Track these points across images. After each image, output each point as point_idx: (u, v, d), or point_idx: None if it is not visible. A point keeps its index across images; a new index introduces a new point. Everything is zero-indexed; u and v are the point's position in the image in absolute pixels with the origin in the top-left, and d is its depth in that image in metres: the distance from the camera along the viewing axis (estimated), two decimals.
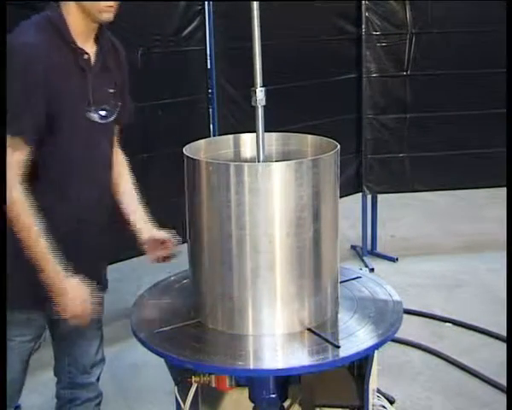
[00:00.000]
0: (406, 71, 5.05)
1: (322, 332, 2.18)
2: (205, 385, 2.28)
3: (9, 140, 2.07)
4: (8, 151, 2.08)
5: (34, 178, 2.18)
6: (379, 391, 2.58)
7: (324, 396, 2.35)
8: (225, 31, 4.34)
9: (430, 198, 6.23)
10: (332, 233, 2.28)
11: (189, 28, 4.18)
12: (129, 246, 4.05)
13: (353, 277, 2.57)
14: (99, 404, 2.59)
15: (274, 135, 2.52)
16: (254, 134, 2.32)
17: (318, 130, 2.65)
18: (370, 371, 2.27)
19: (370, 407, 2.34)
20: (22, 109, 2.08)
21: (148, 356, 2.27)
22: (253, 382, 2.31)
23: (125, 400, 3.57)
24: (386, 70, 5.05)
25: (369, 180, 5.23)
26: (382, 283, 2.53)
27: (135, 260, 4.25)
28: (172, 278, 2.61)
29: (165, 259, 2.49)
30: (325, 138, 2.42)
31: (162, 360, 2.21)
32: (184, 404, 2.30)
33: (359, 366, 2.35)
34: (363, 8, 4.94)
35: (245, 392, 2.36)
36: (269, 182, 2.12)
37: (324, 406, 2.38)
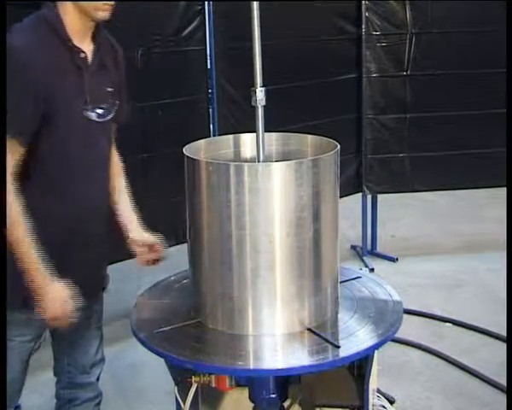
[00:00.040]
0: (406, 71, 5.05)
1: (322, 332, 2.18)
2: (205, 385, 2.28)
3: (7, 141, 2.08)
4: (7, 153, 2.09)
5: (33, 178, 2.18)
6: (379, 391, 2.58)
7: (324, 396, 2.35)
8: (225, 31, 4.34)
9: (430, 198, 6.23)
10: (332, 233, 2.28)
11: (189, 28, 4.18)
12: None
13: (353, 277, 2.57)
14: (99, 404, 2.59)
15: (274, 135, 2.52)
16: (254, 134, 2.32)
17: (318, 130, 2.65)
18: (370, 371, 2.27)
19: (370, 407, 2.34)
20: (16, 111, 2.07)
21: (147, 356, 2.27)
22: (253, 382, 2.31)
23: (124, 400, 3.57)
24: (386, 70, 5.05)
25: (369, 180, 5.23)
26: (382, 283, 2.53)
27: (135, 260, 4.25)
28: (172, 278, 2.61)
29: (154, 262, 2.51)
30: (325, 138, 2.42)
31: (162, 360, 2.21)
32: (184, 404, 2.30)
33: (359, 366, 2.35)
34: (363, 8, 4.94)
35: (245, 392, 2.36)
36: (269, 182, 2.12)
37: (324, 406, 2.38)
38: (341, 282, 2.42)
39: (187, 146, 2.33)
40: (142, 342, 2.20)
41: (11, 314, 2.14)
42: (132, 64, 3.92)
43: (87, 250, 2.33)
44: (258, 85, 2.25)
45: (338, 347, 2.11)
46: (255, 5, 2.20)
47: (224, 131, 4.09)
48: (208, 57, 4.34)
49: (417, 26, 5.00)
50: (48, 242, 2.22)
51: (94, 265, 2.39)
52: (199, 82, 4.31)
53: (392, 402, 3.27)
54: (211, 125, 4.42)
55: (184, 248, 2.45)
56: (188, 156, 2.25)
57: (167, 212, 4.18)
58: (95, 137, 2.29)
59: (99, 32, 2.28)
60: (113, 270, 2.60)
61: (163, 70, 4.11)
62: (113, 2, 2.19)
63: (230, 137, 2.57)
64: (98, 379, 2.57)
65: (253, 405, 2.36)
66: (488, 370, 3.66)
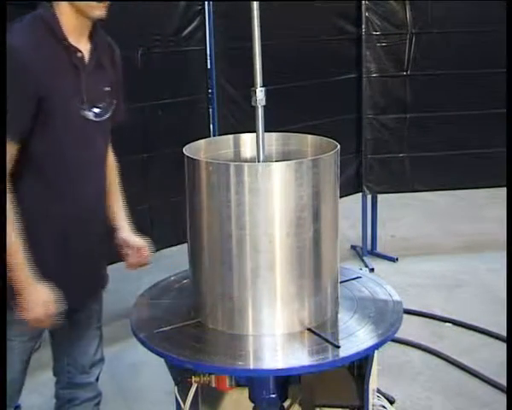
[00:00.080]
0: (406, 71, 5.05)
1: (322, 332, 2.18)
2: (205, 385, 2.28)
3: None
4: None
5: (29, 177, 2.18)
6: (379, 391, 2.58)
7: (324, 396, 2.36)
8: (225, 31, 4.34)
9: (430, 198, 6.23)
10: (332, 233, 2.28)
11: (189, 28, 4.18)
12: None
13: (353, 277, 2.57)
14: (98, 404, 2.59)
15: (274, 135, 2.52)
16: (254, 134, 2.32)
17: (318, 130, 2.66)
18: (370, 371, 2.27)
19: (370, 407, 2.34)
20: (12, 111, 2.07)
21: (147, 356, 2.27)
22: (253, 382, 2.31)
23: (124, 400, 3.57)
24: (386, 70, 5.05)
25: (369, 180, 5.23)
26: (382, 283, 2.53)
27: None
28: (172, 278, 2.61)
29: (141, 266, 2.52)
30: (325, 138, 2.42)
31: (162, 360, 2.21)
32: (184, 404, 2.30)
33: (359, 366, 2.35)
34: (363, 8, 4.94)
35: (245, 392, 2.36)
36: (269, 182, 2.12)
37: (324, 406, 2.39)
38: (341, 282, 2.42)
39: (187, 146, 2.33)
40: (142, 342, 2.20)
41: (11, 314, 2.14)
42: (132, 64, 3.93)
43: (85, 250, 2.32)
44: (258, 85, 2.25)
45: (338, 347, 2.11)
46: (255, 5, 2.20)
47: (224, 131, 4.09)
48: (208, 57, 4.34)
49: (417, 26, 5.00)
50: (45, 241, 2.23)
51: (92, 264, 2.39)
52: (199, 82, 4.31)
53: (392, 402, 3.27)
54: (211, 125, 4.42)
55: (184, 248, 2.45)
56: (188, 156, 2.25)
57: (167, 212, 4.18)
58: (92, 136, 2.29)
59: (96, 31, 2.28)
60: (113, 270, 2.60)
61: (163, 70, 4.11)
62: (108, 1, 2.19)
63: (230, 137, 2.57)
64: (98, 379, 2.57)
65: (253, 405, 2.36)
66: (488, 370, 3.66)
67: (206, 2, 4.24)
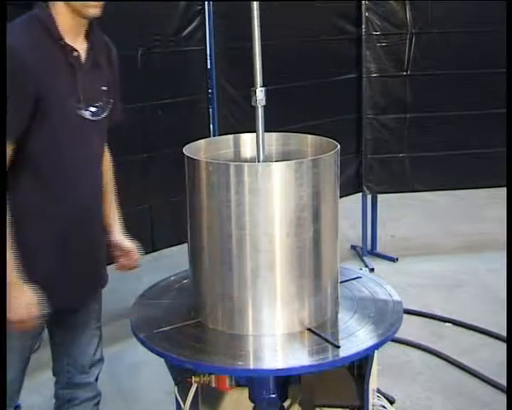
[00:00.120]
0: (406, 71, 5.05)
1: (322, 332, 2.18)
2: (205, 385, 2.28)
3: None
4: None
5: (26, 176, 2.18)
6: (379, 391, 2.58)
7: (324, 396, 2.35)
8: (225, 31, 4.34)
9: (430, 198, 6.23)
10: (332, 233, 2.27)
11: (189, 28, 4.18)
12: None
13: (353, 277, 2.57)
14: (98, 404, 2.59)
15: (274, 135, 2.52)
16: (254, 134, 2.31)
17: (318, 130, 2.65)
18: (370, 371, 2.27)
19: (370, 407, 2.34)
20: (8, 113, 2.08)
21: (147, 356, 2.27)
22: (253, 382, 2.31)
23: (124, 400, 3.57)
24: (386, 70, 5.05)
25: (369, 180, 5.23)
26: (382, 283, 2.53)
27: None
28: (172, 278, 2.61)
29: (129, 269, 2.54)
30: (325, 138, 2.42)
31: (162, 360, 2.21)
32: (184, 404, 2.30)
33: (359, 366, 2.35)
34: (363, 8, 4.94)
35: (245, 392, 2.36)
36: (269, 182, 2.12)
37: (324, 406, 2.38)
38: (341, 282, 2.42)
39: (187, 146, 2.33)
40: (142, 342, 2.19)
41: None
42: (132, 64, 3.93)
43: (83, 249, 2.33)
44: (258, 85, 2.25)
45: (338, 347, 2.11)
46: (255, 5, 2.20)
47: (224, 131, 4.10)
48: (208, 57, 4.34)
49: (417, 26, 5.00)
50: (42, 241, 2.23)
51: (91, 264, 2.38)
52: (199, 82, 4.31)
53: (392, 402, 3.28)
54: (211, 125, 4.42)
55: (184, 248, 2.45)
56: (188, 156, 2.25)
57: (167, 212, 4.18)
58: (88, 135, 2.29)
59: (92, 30, 2.29)
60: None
61: (163, 70, 4.11)
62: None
63: (230, 137, 2.57)
64: (97, 379, 2.57)
65: (253, 405, 2.35)
66: (488, 370, 3.66)
67: (206, 2, 4.24)
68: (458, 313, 4.34)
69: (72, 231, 2.28)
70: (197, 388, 2.31)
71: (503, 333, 3.85)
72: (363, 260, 5.30)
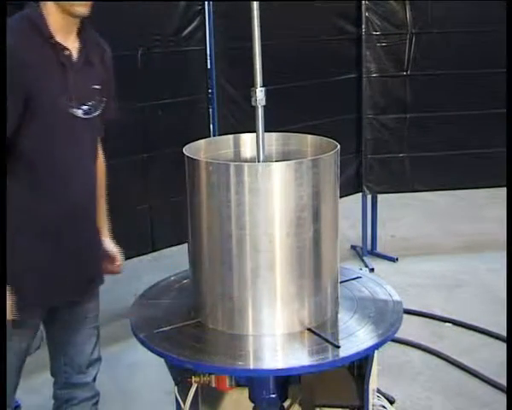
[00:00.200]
0: (406, 71, 5.05)
1: (322, 332, 2.18)
2: (205, 385, 2.28)
3: None
4: None
5: (18, 174, 2.19)
6: (379, 391, 2.58)
7: (324, 396, 2.35)
8: (225, 31, 4.34)
9: (430, 198, 6.23)
10: (332, 233, 2.27)
11: (189, 28, 4.18)
12: (128, 246, 4.07)
13: (353, 277, 2.57)
14: (96, 403, 2.59)
15: (274, 135, 2.52)
16: (254, 134, 2.31)
17: (318, 130, 2.65)
18: (370, 371, 2.27)
19: (370, 407, 2.34)
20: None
21: (147, 356, 2.27)
22: (253, 382, 2.31)
23: (124, 400, 3.57)
24: (386, 70, 5.05)
25: (369, 180, 5.23)
26: (382, 283, 2.53)
27: (135, 260, 4.26)
28: (172, 278, 2.61)
29: (111, 273, 2.55)
30: (325, 138, 2.42)
31: (162, 360, 2.21)
32: (184, 404, 2.30)
33: (359, 366, 2.35)
34: (363, 8, 4.95)
35: (245, 392, 2.36)
36: (269, 182, 2.12)
37: (324, 406, 2.38)
38: (341, 282, 2.42)
39: (187, 146, 2.33)
40: (142, 342, 2.19)
41: None
42: (132, 64, 3.93)
43: (75, 247, 2.33)
44: (258, 85, 2.25)
45: (338, 347, 2.11)
46: (255, 5, 2.20)
47: (224, 131, 4.10)
48: (208, 57, 4.34)
49: (417, 26, 5.00)
50: (35, 238, 2.23)
51: (83, 261, 2.37)
52: (199, 82, 4.31)
53: (392, 402, 3.27)
54: (211, 125, 4.42)
55: (184, 248, 2.45)
56: (188, 156, 2.25)
57: (167, 212, 4.18)
58: (80, 133, 2.29)
59: (84, 29, 2.30)
60: None
61: (163, 70, 4.11)
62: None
63: (230, 137, 2.57)
64: (95, 379, 2.57)
65: (253, 405, 2.35)
66: (488, 370, 3.66)
67: (206, 2, 4.24)
68: (458, 313, 4.34)
69: (64, 229, 2.29)
70: (197, 388, 2.31)
71: (503, 333, 3.85)
72: (363, 260, 5.29)
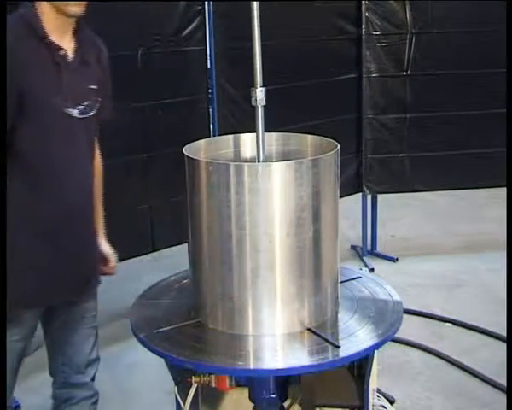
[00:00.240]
0: (406, 71, 5.05)
1: (322, 332, 2.18)
2: (205, 385, 2.28)
3: None
4: None
5: (14, 175, 2.19)
6: (379, 391, 2.58)
7: (324, 396, 2.35)
8: (225, 31, 4.34)
9: (430, 198, 6.23)
10: (332, 233, 2.27)
11: (189, 28, 4.18)
12: (128, 246, 4.07)
13: (353, 277, 2.57)
14: (95, 403, 2.58)
15: (274, 135, 2.52)
16: (254, 134, 2.31)
17: (318, 130, 2.65)
18: (370, 371, 2.27)
19: (370, 407, 2.34)
20: None
21: (147, 356, 2.27)
22: (253, 382, 2.31)
23: (124, 400, 3.57)
24: (386, 70, 5.05)
25: (369, 180, 5.23)
26: (382, 283, 2.53)
27: (135, 260, 4.26)
28: (172, 278, 2.61)
29: (105, 275, 2.54)
30: (325, 138, 2.42)
31: (162, 360, 2.21)
32: (184, 404, 2.30)
33: (359, 366, 2.35)
34: (363, 8, 4.95)
35: (245, 392, 2.36)
36: (269, 182, 2.12)
37: (324, 406, 2.38)
38: (341, 282, 2.42)
39: (187, 146, 2.33)
40: (142, 342, 2.19)
41: None
42: (132, 64, 3.93)
43: (72, 247, 2.33)
44: (258, 85, 2.25)
45: (338, 347, 2.11)
46: (255, 5, 2.20)
47: (224, 131, 4.10)
48: (208, 57, 4.34)
49: (417, 26, 5.00)
50: (31, 238, 2.23)
51: (80, 261, 2.37)
52: (199, 82, 4.31)
53: (392, 402, 3.27)
54: (211, 125, 4.42)
55: (184, 248, 2.45)
56: (188, 156, 2.25)
57: (167, 212, 4.18)
58: (76, 133, 2.29)
59: (80, 29, 2.30)
60: None
61: (163, 70, 4.11)
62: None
63: (230, 137, 2.57)
64: (93, 379, 2.57)
65: (253, 405, 2.36)
66: (488, 370, 3.66)
67: (206, 2, 4.24)
68: (458, 313, 4.34)
69: (61, 229, 2.29)
70: (197, 388, 2.31)
71: (503, 333, 3.85)
72: (363, 260, 5.29)
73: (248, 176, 2.11)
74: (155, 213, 4.20)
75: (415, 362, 3.86)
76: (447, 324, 4.29)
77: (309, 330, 2.21)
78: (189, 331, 2.23)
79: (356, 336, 2.18)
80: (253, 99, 2.26)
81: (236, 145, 2.55)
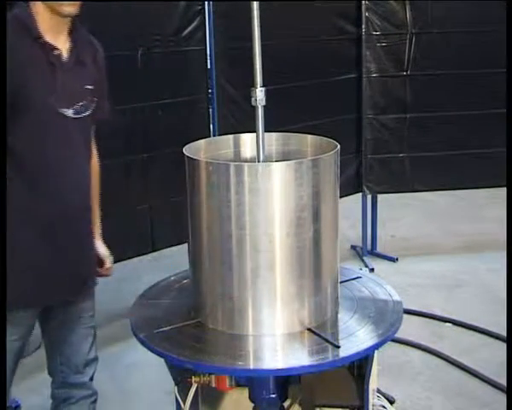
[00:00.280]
0: (406, 71, 5.05)
1: (322, 332, 2.18)
2: (205, 385, 2.28)
3: None
4: None
5: (10, 175, 2.18)
6: (379, 391, 2.58)
7: (324, 396, 2.35)
8: (225, 31, 4.35)
9: (430, 198, 6.23)
10: (332, 233, 2.27)
11: (189, 28, 4.18)
12: (128, 246, 4.08)
13: (353, 277, 2.57)
14: (95, 402, 2.59)
15: (274, 135, 2.52)
16: (254, 134, 2.31)
17: (318, 130, 2.65)
18: (370, 371, 2.27)
19: (370, 407, 2.34)
20: None
21: (147, 356, 2.27)
22: (253, 382, 2.31)
23: (124, 400, 3.57)
24: (386, 70, 5.05)
25: (369, 180, 5.23)
26: (382, 283, 2.53)
27: (135, 260, 4.26)
28: (172, 278, 2.61)
29: (101, 276, 2.55)
30: (325, 138, 2.42)
31: (162, 360, 2.21)
32: (184, 404, 2.30)
33: (359, 366, 2.35)
34: (363, 8, 4.95)
35: (245, 392, 2.36)
36: (269, 182, 2.11)
37: (324, 406, 2.38)
38: (341, 282, 2.42)
39: (187, 146, 2.33)
40: (142, 342, 2.19)
41: None
42: (132, 64, 3.93)
43: (68, 247, 2.33)
44: (258, 85, 2.25)
45: (338, 347, 2.11)
46: (255, 5, 2.20)
47: (224, 131, 4.10)
48: (208, 57, 4.34)
49: (417, 26, 5.00)
50: (28, 238, 2.24)
51: (76, 261, 2.37)
52: (199, 82, 4.31)
53: (392, 402, 3.27)
54: (211, 125, 4.43)
55: (184, 248, 2.45)
56: (188, 156, 2.25)
57: (167, 212, 4.18)
58: (71, 133, 2.29)
59: (75, 29, 2.30)
60: (113, 270, 2.60)
61: (163, 70, 4.11)
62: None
63: (230, 137, 2.57)
64: (92, 379, 2.57)
65: (253, 405, 2.35)
66: (488, 370, 3.66)
67: (206, 2, 4.24)
68: (458, 313, 4.34)
69: (58, 229, 2.29)
70: (197, 388, 2.31)
71: (503, 333, 3.85)
72: (363, 260, 5.29)
73: (248, 176, 2.11)
74: (155, 213, 4.20)
75: (415, 362, 3.86)
76: (447, 324, 4.29)
77: (309, 330, 2.21)
78: (189, 331, 2.23)
79: (356, 336, 2.18)
80: (253, 99, 2.26)
81: (236, 145, 2.55)
